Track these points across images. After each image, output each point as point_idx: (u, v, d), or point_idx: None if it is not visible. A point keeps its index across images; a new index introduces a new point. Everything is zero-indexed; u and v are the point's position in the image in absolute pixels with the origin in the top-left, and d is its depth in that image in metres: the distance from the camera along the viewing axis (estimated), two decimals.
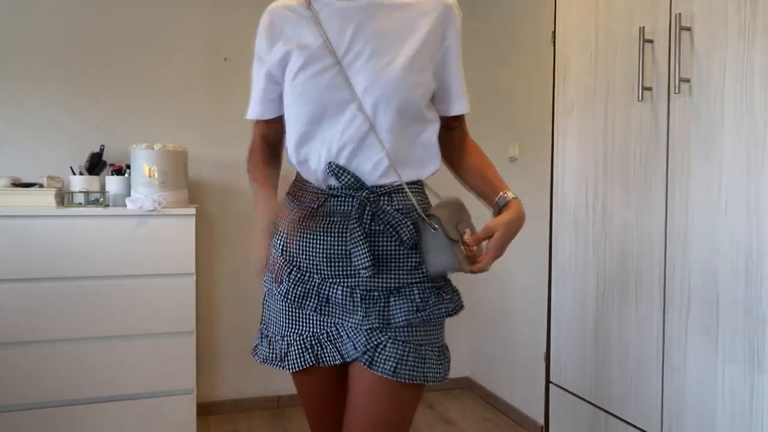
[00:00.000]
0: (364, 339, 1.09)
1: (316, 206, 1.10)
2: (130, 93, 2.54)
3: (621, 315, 1.62)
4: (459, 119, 1.23)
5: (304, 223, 1.11)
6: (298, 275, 1.12)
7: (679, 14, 1.40)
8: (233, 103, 2.68)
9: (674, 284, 1.45)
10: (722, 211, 1.32)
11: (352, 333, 1.10)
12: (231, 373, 2.72)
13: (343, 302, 1.10)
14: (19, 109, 2.41)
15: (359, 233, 1.06)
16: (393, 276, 1.10)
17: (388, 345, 1.08)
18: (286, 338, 1.15)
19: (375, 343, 1.09)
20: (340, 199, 1.09)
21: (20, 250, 2.02)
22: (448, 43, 1.15)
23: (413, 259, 1.10)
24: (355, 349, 1.10)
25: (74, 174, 2.31)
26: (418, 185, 1.15)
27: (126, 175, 2.30)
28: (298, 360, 1.14)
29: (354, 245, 1.06)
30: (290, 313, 1.14)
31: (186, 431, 2.21)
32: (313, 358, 1.12)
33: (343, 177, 1.08)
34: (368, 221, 1.08)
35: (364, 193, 1.08)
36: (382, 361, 1.08)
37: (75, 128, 2.48)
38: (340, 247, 1.08)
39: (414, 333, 1.10)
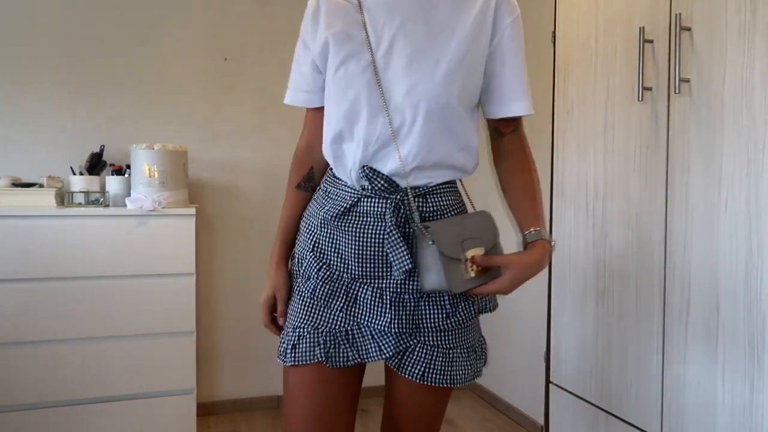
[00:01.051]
0: (392, 342, 1.07)
1: (348, 205, 1.08)
2: (130, 93, 2.54)
3: (621, 315, 1.62)
4: (511, 124, 1.16)
5: (335, 222, 1.10)
6: (327, 273, 1.10)
7: (679, 14, 1.40)
8: (233, 103, 2.67)
9: (674, 284, 1.45)
10: (722, 211, 1.32)
11: (379, 335, 1.08)
12: (231, 373, 2.72)
13: (372, 304, 1.08)
14: (19, 109, 2.41)
15: (397, 236, 1.03)
16: None
17: (417, 349, 1.08)
18: (297, 330, 1.10)
19: (404, 346, 1.08)
20: (373, 200, 1.07)
21: (20, 250, 2.02)
22: (498, 40, 1.09)
23: None
24: (381, 351, 1.08)
25: (74, 174, 2.31)
26: (451, 185, 1.12)
27: (126, 175, 2.30)
28: (307, 353, 1.08)
29: (393, 248, 1.03)
30: (310, 307, 1.11)
31: (186, 431, 2.21)
32: (322, 355, 1.07)
33: (376, 181, 1.06)
34: (402, 223, 1.06)
35: (398, 196, 1.06)
36: (411, 365, 1.08)
37: (75, 128, 2.48)
38: (373, 249, 1.06)
39: (444, 337, 1.09)
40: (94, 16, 2.49)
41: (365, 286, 1.08)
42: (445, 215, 1.09)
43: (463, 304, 1.10)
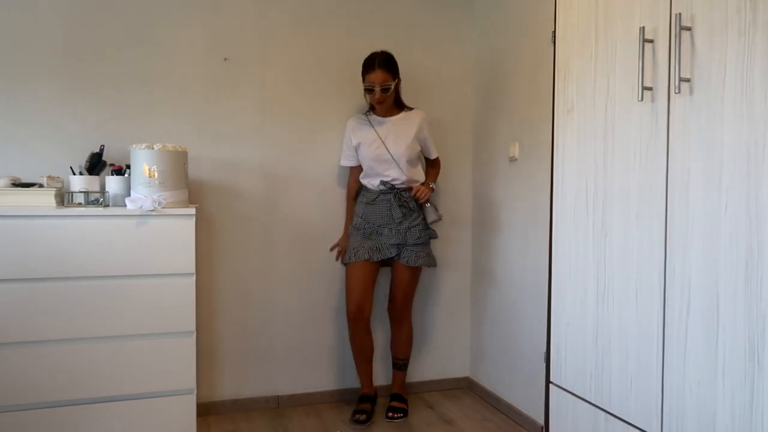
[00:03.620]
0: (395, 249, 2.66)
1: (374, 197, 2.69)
2: (130, 93, 2.54)
3: (621, 315, 1.62)
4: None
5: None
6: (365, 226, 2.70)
7: (679, 14, 1.40)
8: (233, 103, 2.67)
9: (674, 284, 1.45)
10: (722, 211, 1.32)
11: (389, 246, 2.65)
12: (231, 373, 2.72)
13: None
14: (19, 109, 2.41)
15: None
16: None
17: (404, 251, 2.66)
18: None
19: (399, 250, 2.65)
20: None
21: (20, 250, 2.02)
22: (423, 136, 2.71)
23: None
24: (390, 252, 2.66)
25: (74, 174, 2.31)
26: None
27: (126, 175, 2.30)
28: (361, 256, 2.62)
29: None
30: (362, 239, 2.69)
31: (186, 431, 2.21)
32: (366, 256, 2.62)
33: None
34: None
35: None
36: (403, 258, 2.64)
37: (75, 128, 2.48)
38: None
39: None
40: (94, 16, 2.49)
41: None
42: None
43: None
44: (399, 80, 2.63)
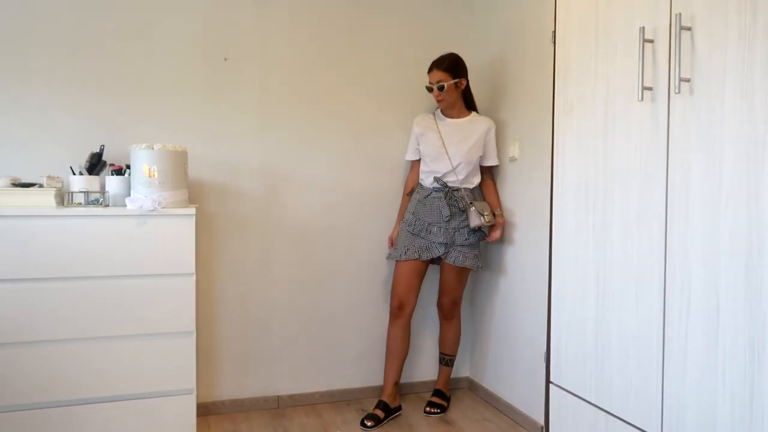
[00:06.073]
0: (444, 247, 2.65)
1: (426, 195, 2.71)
2: (130, 93, 2.54)
3: (621, 315, 1.62)
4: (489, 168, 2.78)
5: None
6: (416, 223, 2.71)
7: (679, 14, 1.40)
8: (233, 103, 2.67)
9: (674, 284, 1.45)
10: (722, 211, 1.32)
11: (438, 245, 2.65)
12: (231, 373, 2.72)
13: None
14: (19, 109, 2.41)
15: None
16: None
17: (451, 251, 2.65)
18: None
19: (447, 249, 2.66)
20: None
21: (20, 250, 2.02)
22: (488, 139, 2.70)
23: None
24: (438, 251, 2.64)
25: (74, 174, 2.31)
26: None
27: (126, 175, 2.30)
28: (411, 255, 2.64)
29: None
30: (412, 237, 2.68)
31: (186, 431, 2.21)
32: (416, 255, 2.64)
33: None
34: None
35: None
36: (450, 258, 2.64)
37: (75, 128, 2.48)
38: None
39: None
40: (93, 16, 2.49)
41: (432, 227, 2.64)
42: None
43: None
44: (462, 81, 2.63)
